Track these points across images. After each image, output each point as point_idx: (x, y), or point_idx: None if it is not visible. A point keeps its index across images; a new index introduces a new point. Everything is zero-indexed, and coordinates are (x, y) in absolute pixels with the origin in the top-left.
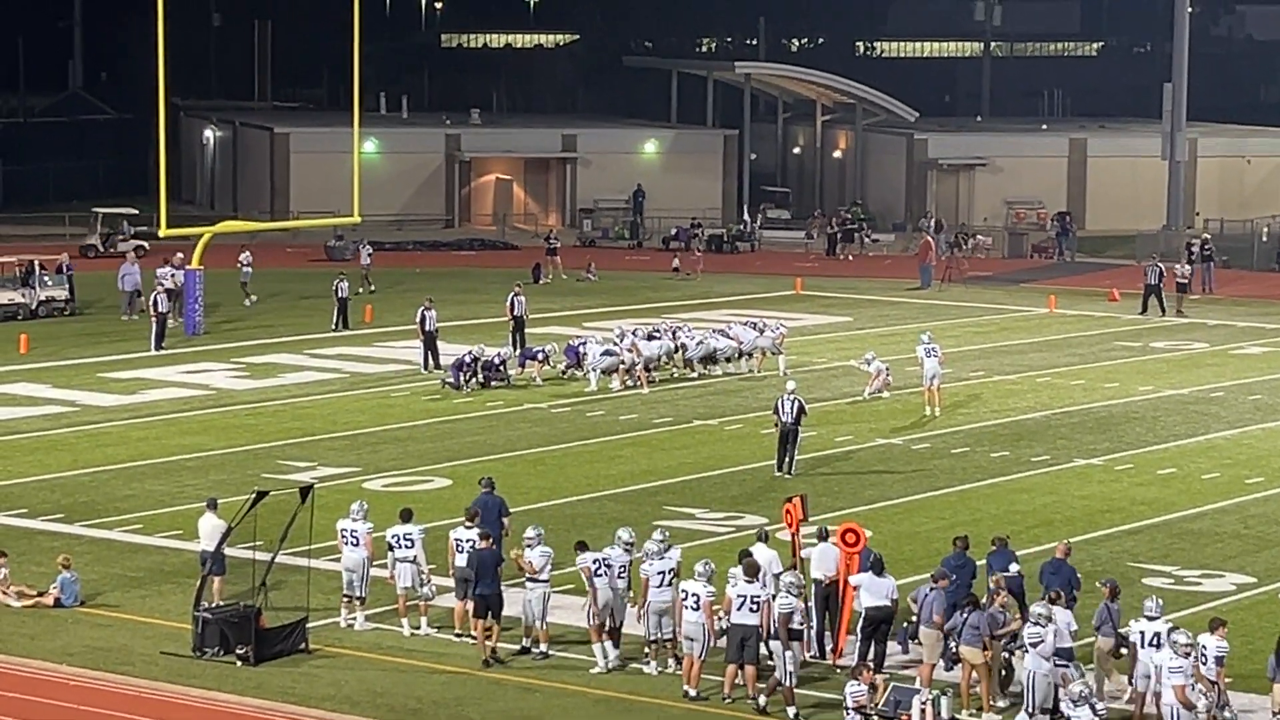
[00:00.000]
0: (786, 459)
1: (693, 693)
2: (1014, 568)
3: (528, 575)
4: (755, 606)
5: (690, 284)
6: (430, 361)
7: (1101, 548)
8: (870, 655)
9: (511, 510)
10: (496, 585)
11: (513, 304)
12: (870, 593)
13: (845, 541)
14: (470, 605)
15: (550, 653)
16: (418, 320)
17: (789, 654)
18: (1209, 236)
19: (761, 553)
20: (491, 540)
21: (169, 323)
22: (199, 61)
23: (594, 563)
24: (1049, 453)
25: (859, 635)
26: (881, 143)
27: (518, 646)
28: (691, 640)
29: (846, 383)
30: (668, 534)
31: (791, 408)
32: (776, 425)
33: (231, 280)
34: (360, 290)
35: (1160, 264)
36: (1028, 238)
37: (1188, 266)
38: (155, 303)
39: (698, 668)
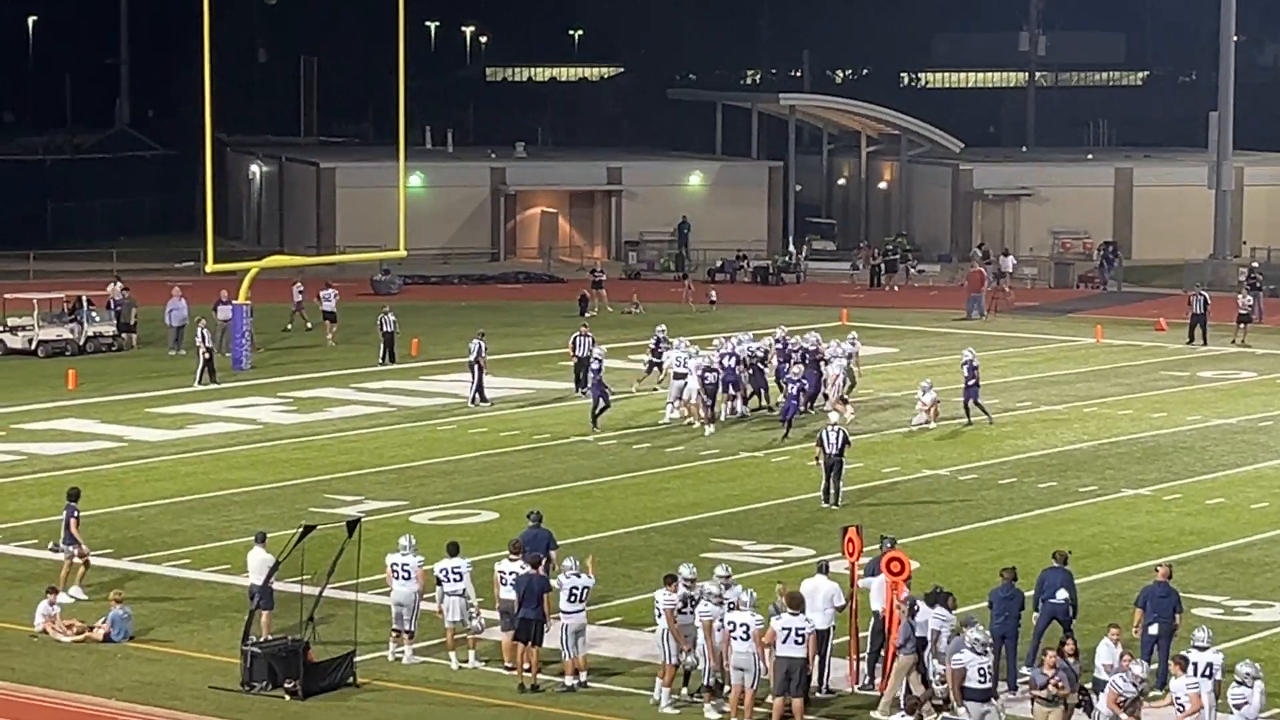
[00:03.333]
0: (832, 490)
1: None
2: (1061, 595)
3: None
4: (800, 639)
5: (734, 315)
6: (476, 395)
7: (1150, 578)
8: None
9: (559, 543)
10: (540, 611)
11: (575, 344)
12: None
13: (890, 570)
14: (512, 631)
15: (589, 683)
16: (473, 352)
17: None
18: (1258, 265)
19: (823, 585)
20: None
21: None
22: (245, 97)
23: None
24: (1097, 483)
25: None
26: (926, 173)
27: (560, 681)
28: (742, 670)
29: (894, 414)
30: (729, 569)
31: (836, 439)
32: (817, 459)
33: (279, 315)
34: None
35: (1205, 293)
36: (1074, 268)
37: (1249, 297)
38: (201, 338)
39: (749, 698)
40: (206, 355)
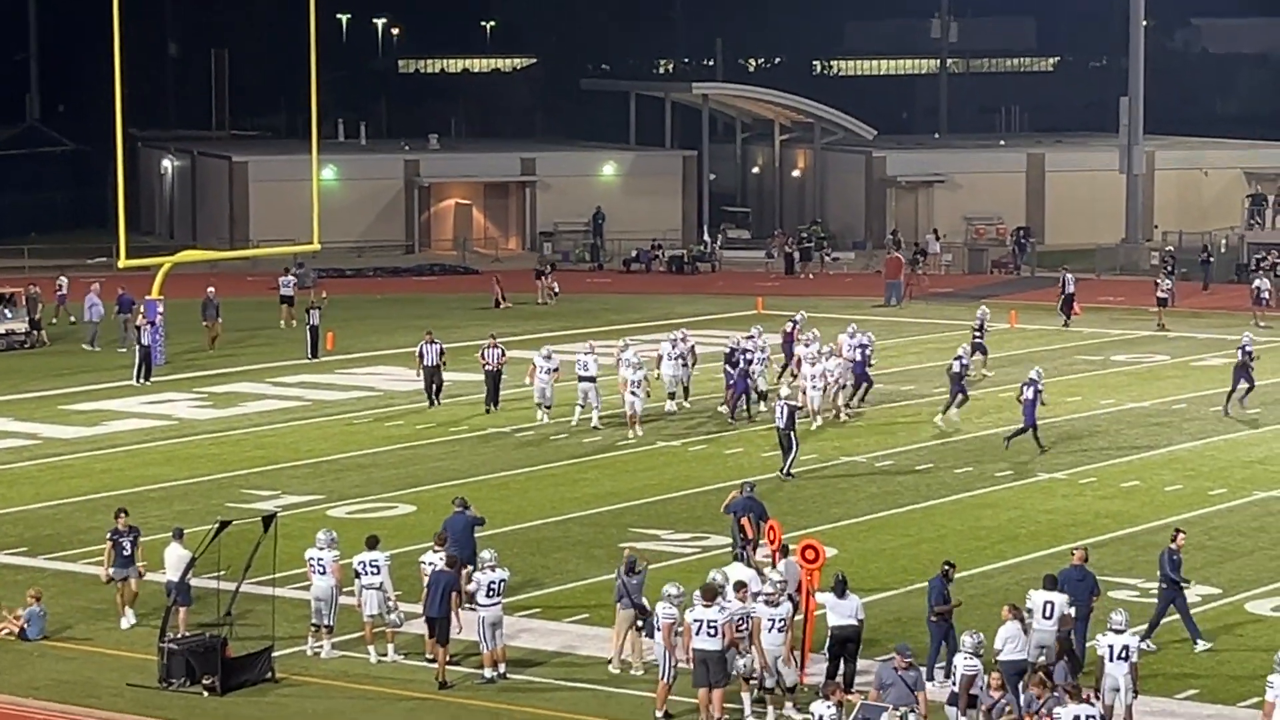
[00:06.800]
0: (786, 462)
1: (659, 715)
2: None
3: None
4: (713, 630)
5: (649, 305)
6: (432, 399)
7: (1066, 561)
8: (839, 674)
9: (477, 535)
10: (445, 609)
11: (483, 354)
12: (835, 612)
13: (805, 558)
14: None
15: (508, 675)
16: (417, 354)
17: None
18: (1172, 249)
19: (739, 572)
20: (460, 563)
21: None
22: (156, 92)
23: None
24: (1012, 467)
25: (827, 654)
26: (840, 161)
27: (479, 674)
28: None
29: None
30: (682, 588)
31: (783, 412)
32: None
33: (194, 310)
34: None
35: (1070, 273)
36: (987, 253)
37: (1168, 281)
38: (135, 334)
39: (662, 688)
40: (141, 350)
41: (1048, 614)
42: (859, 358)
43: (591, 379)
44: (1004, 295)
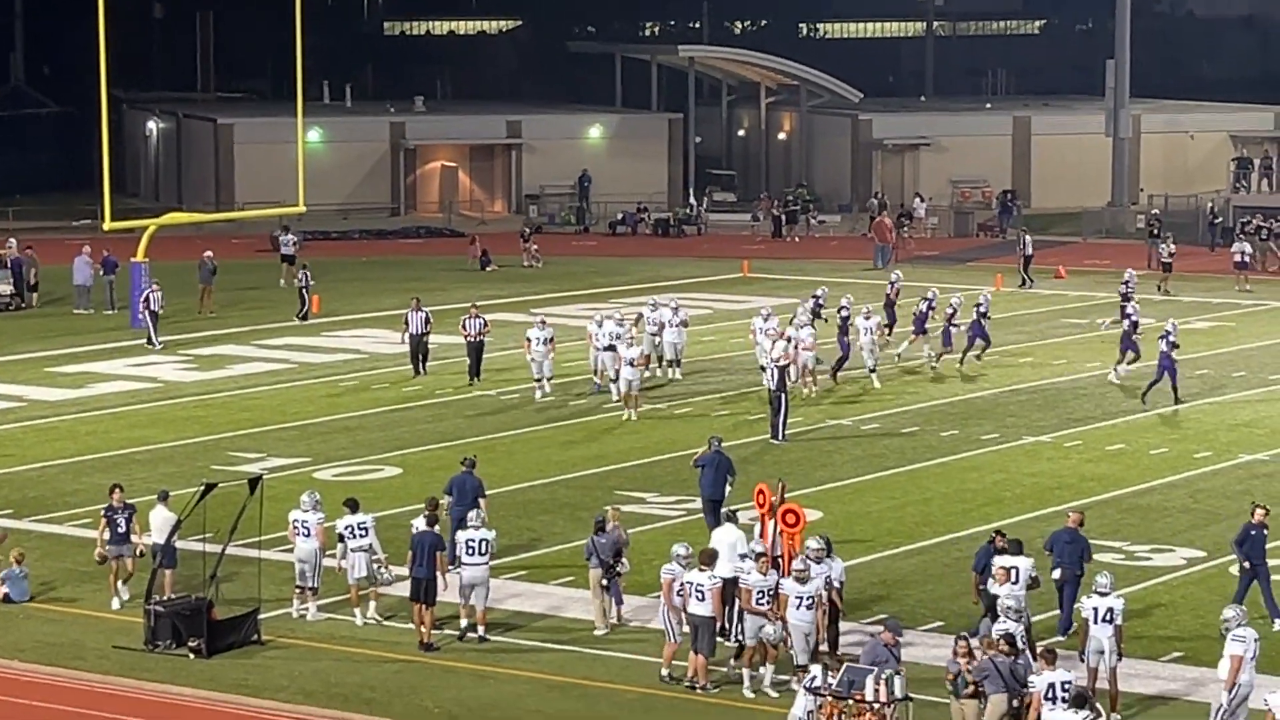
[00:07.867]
0: (777, 425)
1: (664, 673)
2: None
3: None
4: (701, 595)
5: (636, 268)
6: (418, 367)
7: (1052, 524)
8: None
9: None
10: (430, 570)
11: (464, 325)
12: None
13: (785, 522)
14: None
15: (488, 636)
16: (404, 320)
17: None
18: (1157, 212)
19: (729, 533)
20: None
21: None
22: (141, 53)
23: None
24: (998, 431)
25: None
26: (826, 124)
27: (462, 632)
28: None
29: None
30: (690, 549)
31: (773, 375)
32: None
33: (179, 273)
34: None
35: (1028, 234)
36: (973, 216)
37: (1173, 246)
38: (148, 300)
39: (668, 649)
40: (150, 314)
41: (1014, 579)
42: (975, 316)
43: (611, 349)
44: (989, 258)
